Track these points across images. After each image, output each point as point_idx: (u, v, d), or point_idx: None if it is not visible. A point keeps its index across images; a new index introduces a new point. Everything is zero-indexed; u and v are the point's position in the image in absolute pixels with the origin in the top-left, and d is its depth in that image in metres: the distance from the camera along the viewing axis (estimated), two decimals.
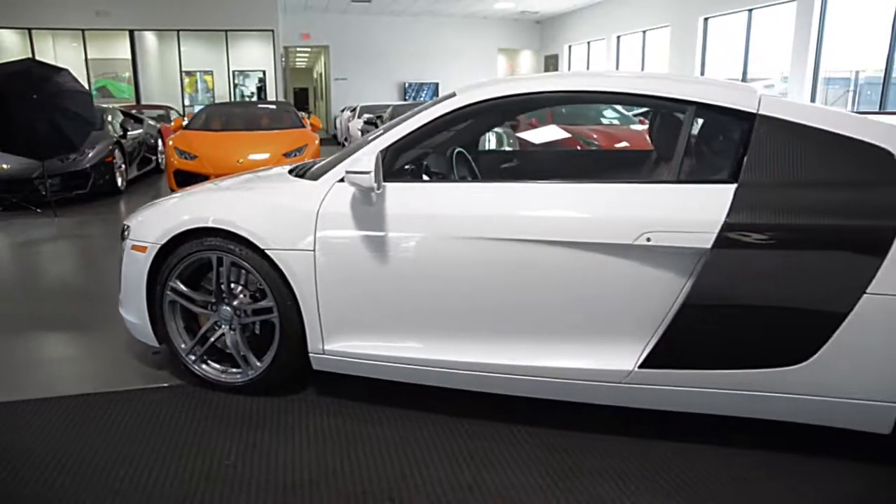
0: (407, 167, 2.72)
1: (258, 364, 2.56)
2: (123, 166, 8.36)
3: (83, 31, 15.25)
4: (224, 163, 7.24)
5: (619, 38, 17.36)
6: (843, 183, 1.96)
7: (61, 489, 1.98)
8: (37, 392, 2.66)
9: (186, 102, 16.59)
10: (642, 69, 16.41)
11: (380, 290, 2.33)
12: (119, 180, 8.15)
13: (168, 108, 13.76)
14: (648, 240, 2.01)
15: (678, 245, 2.00)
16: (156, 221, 2.63)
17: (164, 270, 2.60)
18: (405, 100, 21.12)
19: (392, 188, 2.33)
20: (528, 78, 2.38)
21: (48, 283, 4.43)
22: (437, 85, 21.94)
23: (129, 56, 15.79)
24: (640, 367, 2.09)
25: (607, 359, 2.13)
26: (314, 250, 2.37)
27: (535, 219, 2.13)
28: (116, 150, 8.12)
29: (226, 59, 16.64)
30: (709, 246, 1.96)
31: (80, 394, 2.64)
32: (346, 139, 15.04)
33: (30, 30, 14.96)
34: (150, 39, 16.34)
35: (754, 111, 2.10)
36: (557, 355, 2.18)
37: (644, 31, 16.10)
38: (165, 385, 2.72)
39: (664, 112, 2.52)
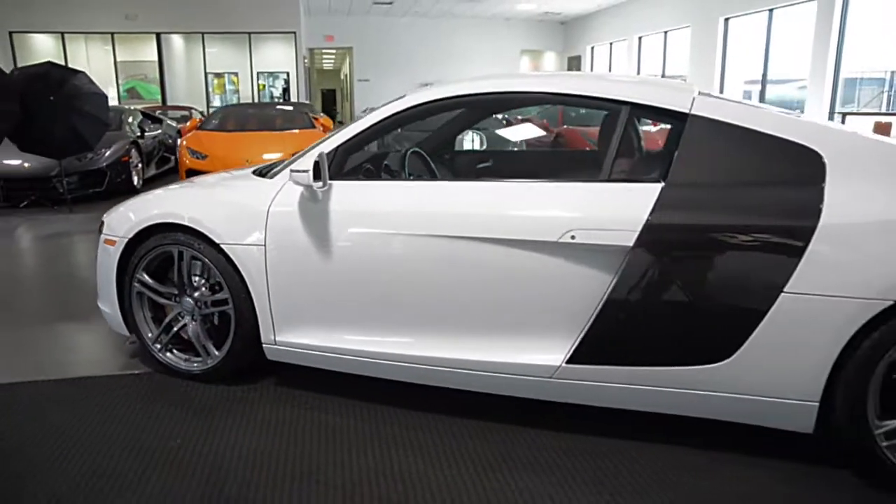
0: (366, 166, 2.81)
1: (216, 353, 2.68)
2: (140, 165, 8.63)
3: (112, 34, 15.75)
4: (233, 162, 7.43)
5: (640, 38, 17.21)
6: (767, 183, 1.98)
7: (13, 476, 2.10)
8: (7, 377, 2.82)
9: (217, 103, 16.98)
10: (663, 70, 16.25)
11: (324, 284, 2.42)
12: (135, 179, 8.42)
13: (191, 109, 14.11)
14: (573, 237, 2.07)
15: (602, 243, 2.04)
16: (125, 217, 2.77)
17: (131, 263, 2.74)
18: None
19: (338, 186, 2.43)
20: (473, 80, 2.45)
21: (49, 275, 4.64)
22: None
23: (156, 58, 16.23)
24: (568, 362, 2.14)
25: (537, 354, 2.18)
26: (265, 245, 2.47)
27: (466, 216, 2.20)
28: (133, 150, 8.39)
29: (249, 61, 16.98)
30: (631, 244, 2.01)
31: (51, 379, 2.79)
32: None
33: (62, 34, 15.52)
34: (176, 42, 16.78)
35: (686, 111, 2.13)
36: (490, 350, 2.25)
37: (665, 32, 15.93)
38: (135, 372, 2.86)
39: (606, 112, 2.56)
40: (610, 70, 19.21)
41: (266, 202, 2.50)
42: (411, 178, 2.84)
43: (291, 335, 2.52)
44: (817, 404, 1.93)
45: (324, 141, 2.56)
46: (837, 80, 10.84)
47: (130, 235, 2.70)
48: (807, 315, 1.87)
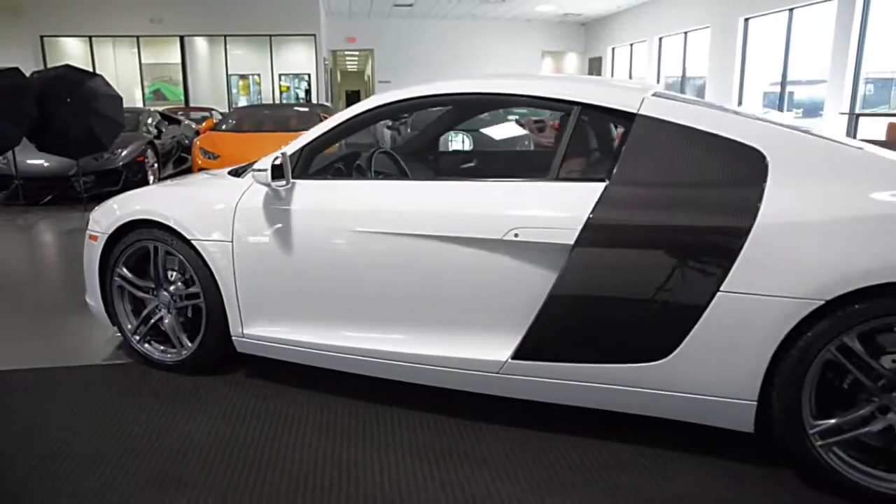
0: (337, 165, 2.89)
1: (189, 345, 2.78)
2: (156, 165, 8.86)
3: (138, 37, 16.16)
4: (243, 162, 7.60)
5: (660, 39, 17.05)
6: (709, 182, 2.00)
7: None
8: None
9: (243, 104, 17.29)
10: (683, 72, 16.07)
11: (285, 280, 2.50)
12: (151, 178, 8.65)
13: (212, 111, 14.40)
14: (516, 235, 2.11)
15: (544, 241, 2.08)
16: (107, 213, 2.89)
17: (112, 258, 2.86)
18: None
19: (301, 185, 2.50)
20: (433, 83, 2.50)
21: (56, 269, 4.82)
22: None
23: (179, 61, 16.60)
24: (513, 358, 2.18)
25: (484, 349, 2.23)
26: (232, 241, 2.56)
27: (417, 214, 2.26)
28: (149, 150, 8.62)
29: (270, 63, 17.25)
30: (572, 242, 2.04)
31: (29, 368, 2.92)
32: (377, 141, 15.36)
33: (90, 38, 15.98)
34: (199, 44, 17.12)
35: (634, 111, 2.15)
36: (440, 344, 2.30)
37: (685, 33, 15.76)
38: (116, 363, 2.97)
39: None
40: (630, 72, 19.07)
41: (234, 200, 2.59)
42: (379, 177, 2.90)
43: (258, 328, 2.61)
44: (755, 403, 1.94)
45: (293, 141, 2.64)
46: (858, 80, 10.61)
47: (111, 231, 2.82)
48: (742, 314, 1.89)
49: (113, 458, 2.17)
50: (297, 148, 2.58)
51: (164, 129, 9.56)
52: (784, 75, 12.32)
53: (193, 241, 2.62)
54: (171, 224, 2.65)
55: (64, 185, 7.64)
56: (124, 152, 8.12)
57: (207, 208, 2.63)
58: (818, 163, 1.97)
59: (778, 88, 12.68)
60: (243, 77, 17.73)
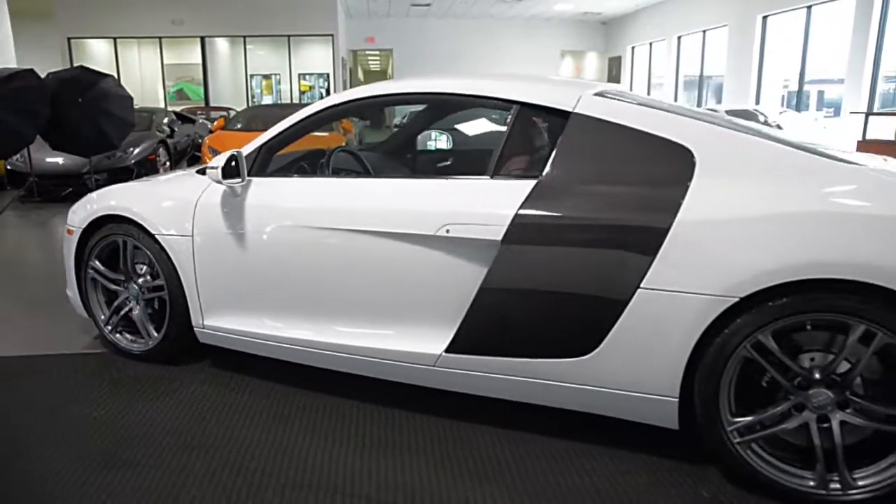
0: (301, 163, 2.97)
1: (156, 335, 2.89)
2: (167, 163, 9.09)
3: (160, 38, 16.55)
4: None
5: (679, 38, 16.86)
6: (637, 180, 2.02)
7: None
8: None
9: (265, 104, 17.56)
10: (701, 70, 15.88)
11: (240, 273, 2.59)
12: None
13: (229, 110, 14.68)
14: (448, 231, 2.16)
15: (473, 237, 2.13)
16: (82, 209, 3.01)
17: (86, 251, 2.98)
18: None
19: (256, 182, 2.59)
20: (384, 83, 2.57)
21: (58, 264, 5.00)
22: None
23: (200, 61, 16.94)
24: (447, 351, 2.23)
25: (421, 343, 2.28)
26: (192, 236, 2.66)
27: (359, 211, 2.33)
28: (161, 149, 8.85)
29: (288, 63, 17.49)
30: (499, 238, 2.09)
31: (9, 356, 3.06)
32: None
33: (115, 39, 16.41)
34: (219, 45, 17.45)
35: (570, 109, 2.19)
36: (381, 337, 2.36)
37: (704, 31, 15.57)
38: (93, 352, 3.10)
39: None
40: (649, 71, 18.89)
41: (195, 197, 2.69)
42: (339, 175, 2.97)
43: (217, 320, 2.70)
44: (677, 400, 1.97)
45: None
46: (876, 79, 10.39)
47: (84, 226, 2.95)
48: (662, 311, 1.91)
49: (67, 441, 2.28)
50: (255, 147, 2.67)
51: (176, 129, 9.80)
52: (802, 74, 12.11)
53: (157, 236, 2.73)
54: (138, 219, 2.76)
55: (77, 182, 7.89)
56: (136, 150, 8.35)
57: (170, 205, 2.74)
58: (745, 161, 1.98)
59: (798, 87, 12.46)
60: (266, 77, 18.03)
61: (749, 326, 1.81)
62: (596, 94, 2.27)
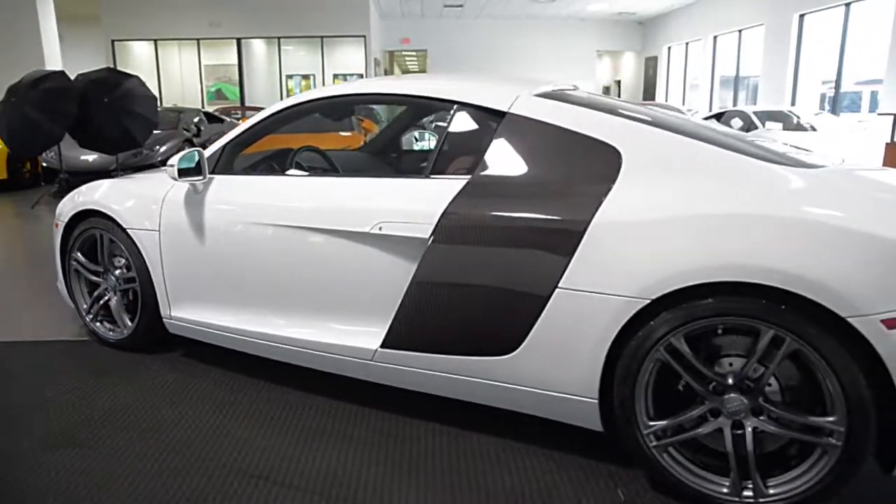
0: (270, 162, 3.06)
1: (129, 325, 3.02)
2: None
3: (198, 40, 17.06)
4: None
5: (715, 38, 16.47)
6: (563, 179, 2.03)
7: None
8: None
9: None
10: (737, 70, 15.48)
11: (200, 266, 2.69)
12: None
13: (262, 110, 15.03)
14: (381, 229, 2.20)
15: (404, 234, 2.17)
16: (66, 204, 3.17)
17: (69, 243, 3.14)
18: None
19: (217, 179, 2.69)
20: (333, 86, 2.64)
21: None
22: None
23: (236, 62, 17.40)
24: (382, 346, 2.27)
25: (360, 337, 2.33)
26: (159, 230, 2.77)
27: (306, 208, 2.39)
28: (186, 147, 9.14)
29: (321, 64, 17.79)
30: (427, 236, 2.12)
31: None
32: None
33: (155, 41, 16.99)
34: (254, 46, 17.87)
35: (505, 109, 2.21)
36: (326, 331, 2.42)
37: (740, 31, 15.17)
38: (77, 339, 3.25)
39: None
40: (685, 71, 18.51)
41: (163, 193, 2.80)
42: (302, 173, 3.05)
43: (182, 311, 2.81)
44: (596, 401, 1.96)
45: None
46: None
47: (67, 220, 3.10)
48: (578, 311, 1.91)
49: (26, 422, 2.41)
50: (219, 146, 2.77)
51: (203, 128, 10.11)
52: (839, 74, 11.68)
53: (129, 230, 2.85)
54: (112, 214, 2.90)
55: (106, 178, 8.21)
56: (162, 149, 8.66)
57: (141, 200, 2.86)
58: (672, 162, 1.96)
59: (835, 88, 12.03)
60: (305, 77, 18.37)
61: (661, 329, 1.80)
62: (538, 95, 2.27)
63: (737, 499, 1.80)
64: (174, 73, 17.73)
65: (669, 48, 19.58)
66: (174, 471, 2.09)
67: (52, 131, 7.14)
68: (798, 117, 10.56)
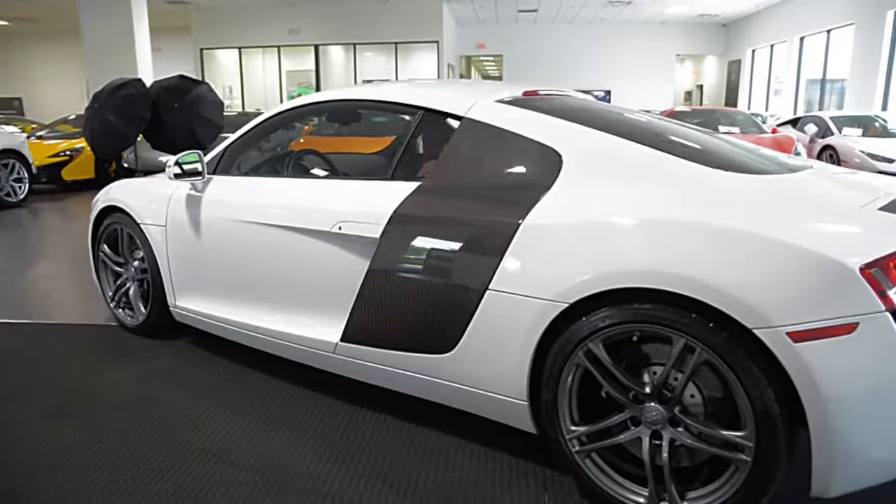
0: (275, 164, 3.25)
1: (143, 312, 3.29)
2: None
3: (279, 47, 17.91)
4: None
5: (801, 39, 15.55)
6: (504, 182, 2.07)
7: None
8: (9, 316, 3.70)
9: None
10: (823, 73, 14.55)
11: (197, 259, 2.90)
12: None
13: None
14: (340, 228, 2.31)
15: (359, 234, 2.27)
16: (97, 200, 3.49)
17: (97, 236, 3.45)
18: None
19: (216, 180, 2.89)
20: (310, 95, 2.78)
21: None
22: (608, 93, 21.48)
23: (313, 68, 18.14)
24: (342, 340, 2.38)
25: (324, 331, 2.45)
26: (166, 226, 3.01)
27: (280, 207, 2.55)
28: None
29: (395, 69, 18.22)
30: (377, 236, 2.21)
31: (39, 322, 3.61)
32: None
33: (239, 49, 18.00)
34: (331, 52, 18.55)
35: (462, 114, 2.27)
36: (297, 324, 2.55)
37: (828, 31, 14.26)
38: (105, 324, 3.57)
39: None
40: (769, 75, 17.57)
41: (170, 191, 3.04)
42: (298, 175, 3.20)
43: (184, 301, 3.04)
44: (527, 404, 1.98)
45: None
46: None
47: (94, 214, 3.42)
48: (507, 313, 1.94)
49: (33, 394, 2.70)
50: (221, 148, 2.98)
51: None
52: None
53: (142, 225, 3.11)
54: (129, 210, 3.17)
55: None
56: None
57: (153, 198, 3.11)
58: (609, 166, 1.96)
59: None
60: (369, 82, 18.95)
61: (579, 334, 1.80)
62: (499, 101, 2.31)
63: None
64: (257, 78, 18.69)
65: (754, 51, 18.65)
66: (145, 446, 2.28)
67: (127, 134, 7.76)
68: (885, 122, 9.85)
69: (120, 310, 3.46)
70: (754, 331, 1.55)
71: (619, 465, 1.88)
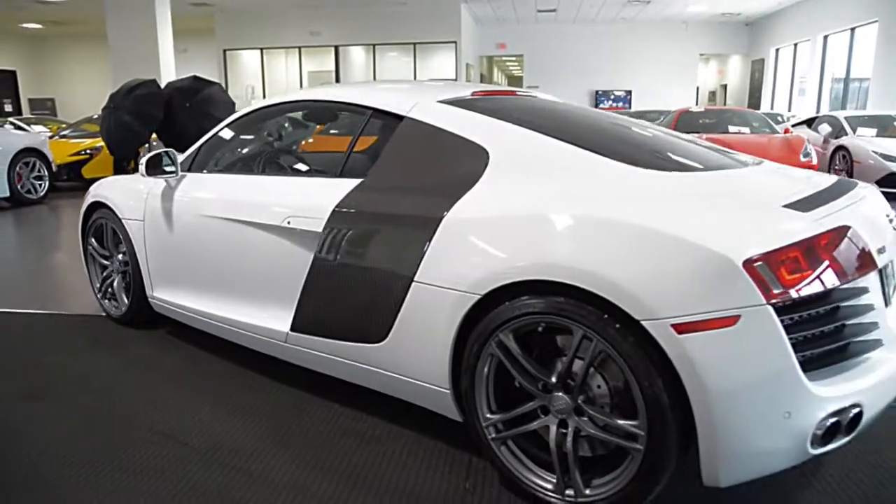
0: (230, 161, 3.36)
1: (126, 302, 3.45)
2: None
3: (300, 48, 18.21)
4: None
5: (825, 37, 15.24)
6: (434, 178, 2.16)
7: None
8: (8, 306, 3.90)
9: None
10: (847, 72, 14.25)
11: (169, 252, 3.06)
12: None
13: None
14: (289, 223, 2.43)
15: (304, 228, 2.38)
16: (87, 196, 3.67)
17: (86, 230, 3.64)
18: (598, 108, 20.95)
19: (189, 176, 3.04)
20: (271, 98, 2.91)
21: None
22: (629, 93, 21.33)
23: (333, 68, 18.39)
24: (291, 329, 2.50)
25: (277, 321, 2.56)
26: (143, 220, 3.17)
27: (236, 202, 2.69)
28: None
29: (413, 70, 18.37)
30: (320, 230, 2.32)
31: (31, 312, 3.82)
32: None
33: (261, 49, 18.34)
34: (351, 53, 18.77)
35: (403, 114, 2.36)
36: (254, 314, 2.68)
37: (852, 29, 13.96)
38: (94, 315, 3.75)
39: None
40: (792, 75, 17.26)
41: (148, 187, 3.20)
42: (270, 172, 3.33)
43: (159, 293, 3.19)
44: (450, 392, 2.07)
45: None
46: None
47: (83, 209, 3.60)
48: (428, 304, 2.03)
49: (11, 377, 2.88)
50: (196, 146, 3.13)
51: (283, 133, 10.83)
52: None
53: (123, 220, 3.28)
54: (111, 205, 3.34)
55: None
56: None
57: (133, 194, 3.28)
58: (531, 163, 2.04)
59: None
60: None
61: (492, 325, 1.88)
62: (441, 101, 2.39)
63: (560, 497, 1.85)
64: (280, 78, 19.00)
65: (777, 50, 18.33)
66: (105, 424, 2.44)
67: (140, 133, 8.04)
68: None
69: (106, 300, 3.63)
70: (642, 322, 1.61)
71: (535, 454, 1.95)
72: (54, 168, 8.65)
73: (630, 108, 20.46)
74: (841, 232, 1.71)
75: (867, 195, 2.07)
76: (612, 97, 21.30)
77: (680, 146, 2.40)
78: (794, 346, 1.58)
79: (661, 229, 1.64)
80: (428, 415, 2.25)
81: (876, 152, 8.57)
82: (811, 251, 1.64)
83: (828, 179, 2.16)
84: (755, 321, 1.55)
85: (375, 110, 2.48)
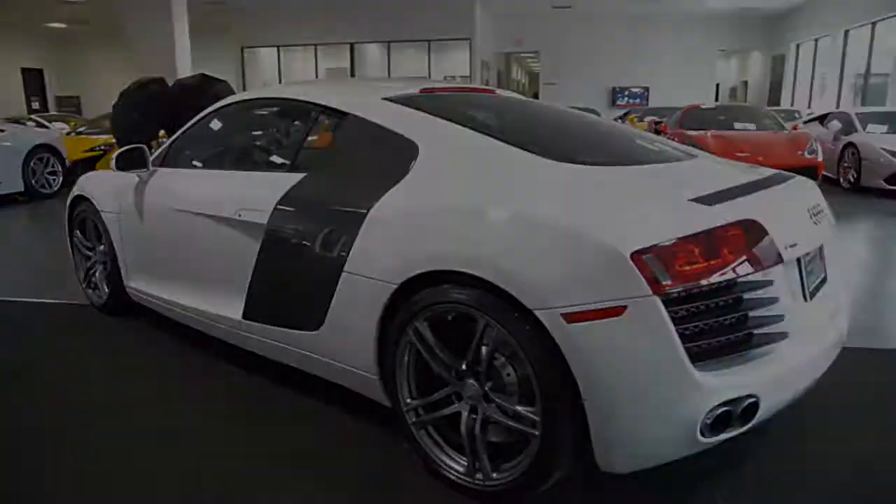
0: (198, 157, 3.46)
1: (107, 291, 3.61)
2: None
3: (315, 45, 18.42)
4: None
5: (846, 32, 14.93)
6: (370, 172, 2.25)
7: None
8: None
9: None
10: (867, 67, 13.95)
11: (140, 244, 3.20)
12: None
13: None
14: (240, 215, 2.54)
15: (252, 220, 2.49)
16: (73, 190, 3.83)
17: (71, 223, 3.80)
18: (615, 105, 20.80)
19: (160, 171, 3.17)
20: (240, 94, 3.03)
21: None
22: (647, 89, 21.12)
23: (348, 65, 18.58)
24: (242, 317, 2.61)
25: (231, 309, 2.67)
26: (119, 213, 3.32)
27: (195, 196, 2.81)
28: None
29: (428, 67, 18.45)
30: (265, 222, 2.42)
31: (20, 300, 4.00)
32: None
33: (278, 47, 18.60)
34: (366, 50, 18.93)
35: (348, 111, 2.45)
36: (211, 303, 2.79)
37: (873, 23, 13.66)
38: (77, 303, 3.91)
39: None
40: (813, 70, 16.93)
41: (125, 183, 3.33)
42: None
43: (134, 282, 3.34)
44: (377, 378, 2.15)
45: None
46: None
47: (68, 204, 3.76)
48: (356, 293, 2.11)
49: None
50: (168, 143, 3.26)
51: (292, 129, 11.02)
52: None
53: (101, 213, 3.43)
54: (91, 199, 3.50)
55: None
56: None
57: (112, 188, 3.42)
58: (455, 157, 2.12)
59: None
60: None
61: (408, 313, 1.96)
62: (385, 98, 2.47)
63: (470, 480, 1.93)
64: (296, 76, 19.25)
65: (798, 45, 17.99)
66: (62, 404, 2.59)
67: (147, 129, 8.25)
68: None
69: (90, 290, 3.79)
70: (535, 311, 1.68)
71: (455, 440, 2.02)
72: (67, 164, 8.92)
73: (647, 104, 20.25)
74: (743, 226, 1.75)
75: (793, 191, 2.10)
76: (629, 94, 21.12)
77: (621, 142, 2.45)
78: (685, 336, 1.63)
79: (556, 221, 1.70)
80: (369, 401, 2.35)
81: (885, 149, 8.42)
82: (706, 244, 1.68)
83: (761, 174, 2.19)
84: (642, 312, 1.60)
85: (325, 107, 2.57)
